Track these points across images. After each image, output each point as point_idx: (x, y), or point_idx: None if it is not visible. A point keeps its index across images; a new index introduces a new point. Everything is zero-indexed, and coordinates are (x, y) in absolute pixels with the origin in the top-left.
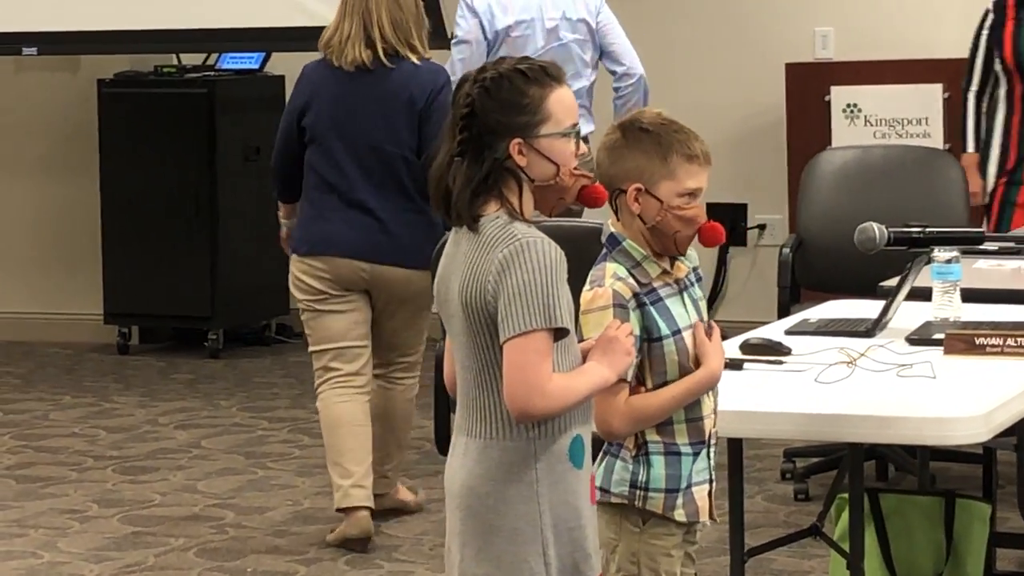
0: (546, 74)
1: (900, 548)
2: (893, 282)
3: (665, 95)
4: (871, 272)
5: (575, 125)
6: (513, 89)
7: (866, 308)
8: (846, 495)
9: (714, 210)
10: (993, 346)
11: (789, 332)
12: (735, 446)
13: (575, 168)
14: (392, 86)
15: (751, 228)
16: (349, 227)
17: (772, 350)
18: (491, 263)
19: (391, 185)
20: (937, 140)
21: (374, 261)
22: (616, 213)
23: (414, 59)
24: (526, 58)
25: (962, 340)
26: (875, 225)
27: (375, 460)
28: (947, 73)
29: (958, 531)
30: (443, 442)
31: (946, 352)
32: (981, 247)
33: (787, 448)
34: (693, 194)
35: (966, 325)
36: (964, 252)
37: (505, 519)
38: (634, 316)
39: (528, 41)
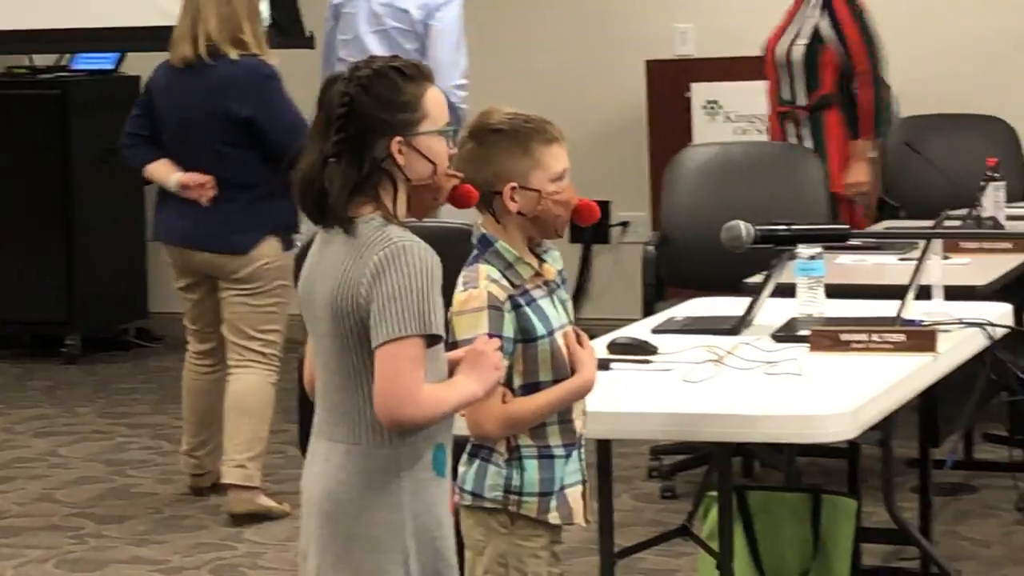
0: (420, 72)
1: (767, 545)
2: (758, 279)
3: (526, 93)
4: (735, 269)
5: (449, 123)
6: (392, 86)
7: (731, 305)
8: (714, 493)
9: None
10: (858, 342)
11: (656, 331)
12: (604, 447)
13: (448, 168)
14: (211, 83)
15: (614, 226)
16: (177, 216)
17: (639, 349)
18: (365, 266)
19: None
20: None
21: (193, 248)
22: (494, 215)
23: (234, 55)
24: (396, 56)
25: (827, 336)
26: (742, 223)
27: (234, 447)
28: None
29: (825, 527)
30: (306, 447)
31: (812, 349)
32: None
33: (654, 446)
34: (562, 176)
35: (830, 321)
36: (827, 248)
37: (367, 527)
38: (509, 317)
39: (354, 20)
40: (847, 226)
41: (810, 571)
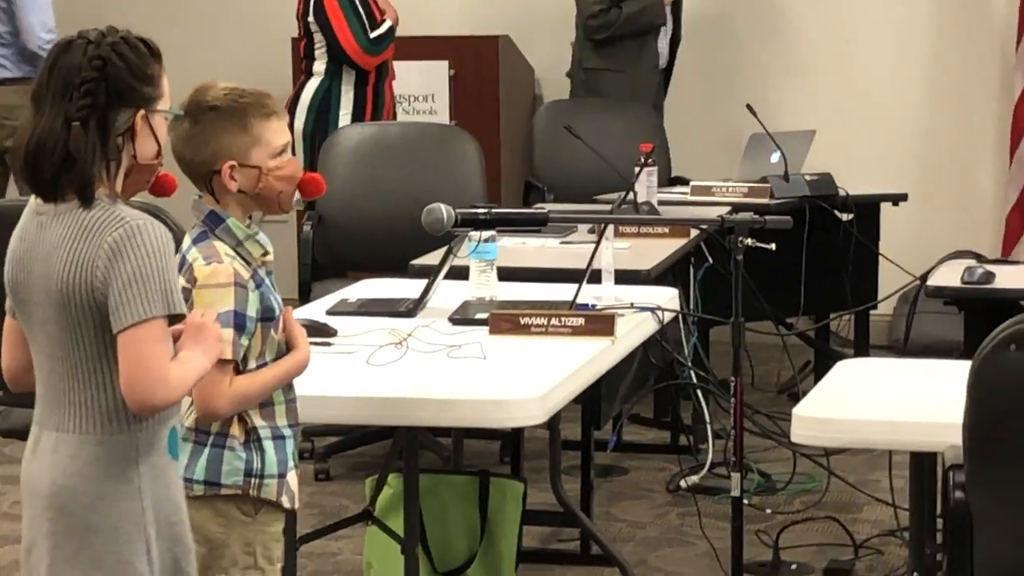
0: (158, 50)
1: (435, 528)
2: (423, 260)
3: (174, 67)
4: (392, 250)
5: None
6: (143, 58)
7: (400, 287)
8: (375, 476)
9: None
10: (538, 326)
11: (331, 312)
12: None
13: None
14: None
15: None
16: None
17: (319, 331)
18: (98, 248)
19: None
20: (443, 116)
21: None
22: (212, 194)
23: None
24: (129, 31)
25: (507, 320)
26: (443, 206)
27: None
28: (453, 50)
29: (492, 510)
30: None
31: (491, 332)
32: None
33: (304, 427)
34: (283, 151)
35: (506, 304)
36: (500, 232)
37: (106, 518)
38: (253, 297)
39: None
40: (546, 210)
41: (477, 553)
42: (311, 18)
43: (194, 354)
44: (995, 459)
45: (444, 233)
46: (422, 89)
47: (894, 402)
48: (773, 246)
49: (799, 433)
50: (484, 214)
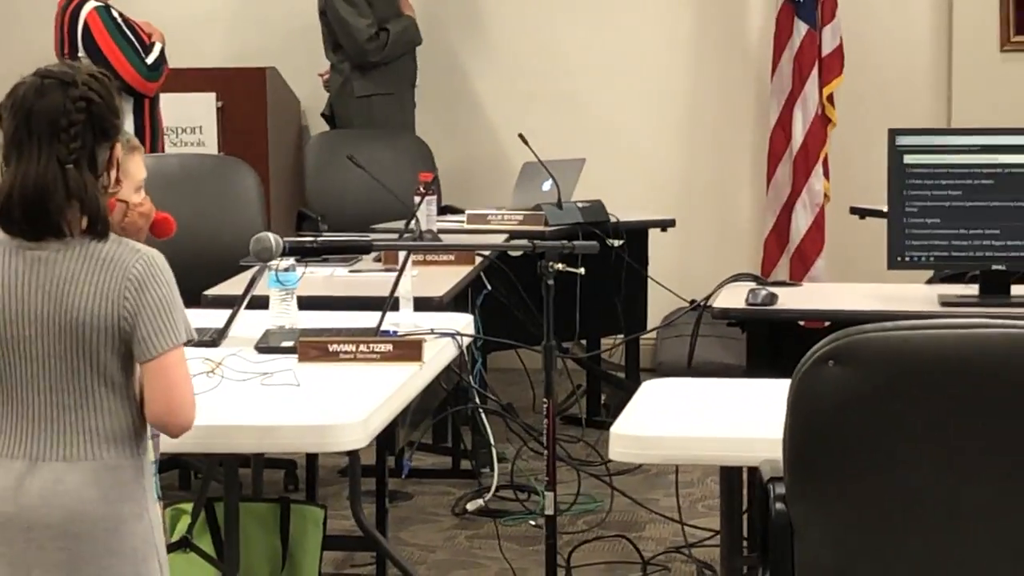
0: (114, 80)
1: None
2: (216, 291)
3: None
4: (185, 281)
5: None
6: (111, 91)
7: (194, 318)
8: (183, 506)
9: None
10: (346, 352)
11: None
12: None
13: None
14: None
15: None
16: None
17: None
18: (124, 279)
19: None
20: (212, 148)
21: None
22: None
23: None
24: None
25: (315, 347)
26: (271, 236)
27: None
28: (219, 82)
29: (294, 536)
30: None
31: (300, 359)
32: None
33: None
34: (142, 186)
35: (309, 332)
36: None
37: (125, 540)
38: None
39: None
40: (371, 238)
41: None
42: (82, 53)
43: None
44: (815, 471)
45: (264, 261)
46: (190, 121)
47: (706, 419)
48: (583, 271)
49: (617, 451)
50: (311, 242)
